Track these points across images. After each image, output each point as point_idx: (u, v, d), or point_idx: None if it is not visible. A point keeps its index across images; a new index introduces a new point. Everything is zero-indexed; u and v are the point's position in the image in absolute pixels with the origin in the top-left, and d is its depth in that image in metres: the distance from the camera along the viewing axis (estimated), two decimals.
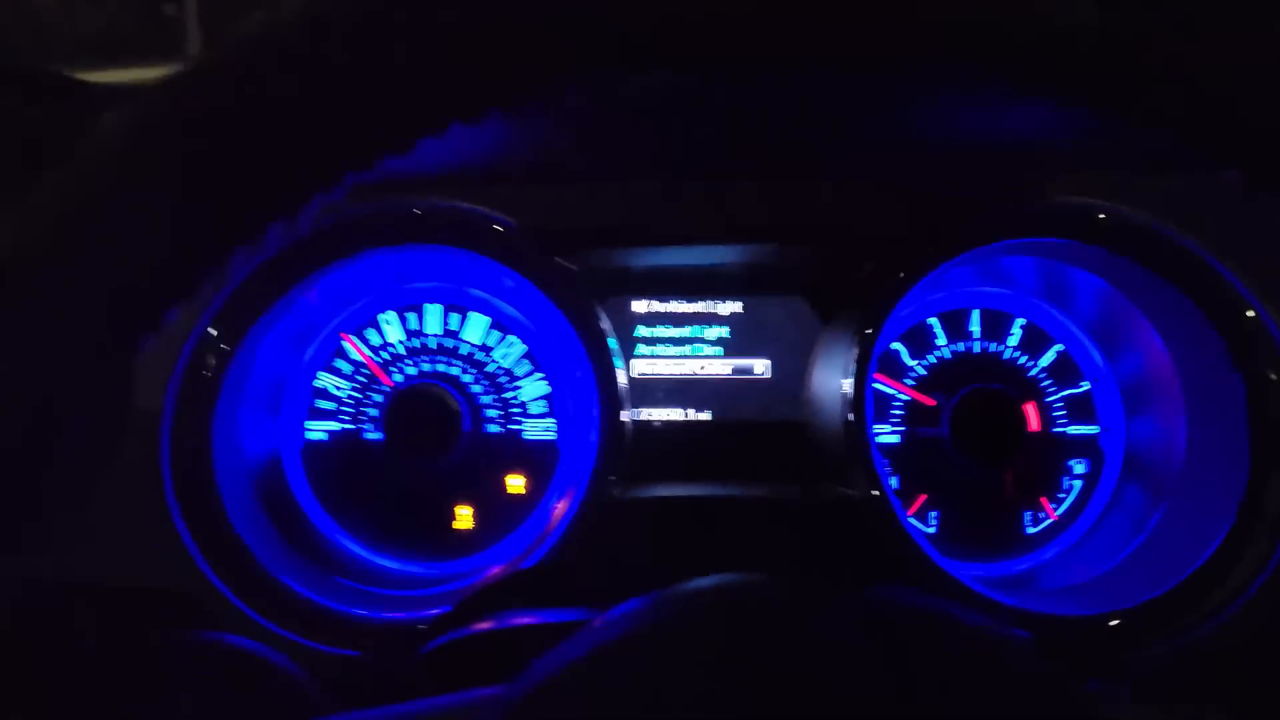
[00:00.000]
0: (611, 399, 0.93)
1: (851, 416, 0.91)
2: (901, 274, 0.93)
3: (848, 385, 0.92)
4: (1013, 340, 1.08)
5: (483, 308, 1.08)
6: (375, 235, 0.93)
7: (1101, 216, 0.92)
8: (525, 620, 0.76)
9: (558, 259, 0.96)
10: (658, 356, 1.06)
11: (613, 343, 0.97)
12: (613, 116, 0.89)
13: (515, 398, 1.07)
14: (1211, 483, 0.93)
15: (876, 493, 0.89)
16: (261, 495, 1.00)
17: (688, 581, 0.41)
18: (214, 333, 0.91)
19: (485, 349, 1.08)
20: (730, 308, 1.06)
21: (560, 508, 0.97)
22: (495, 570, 0.98)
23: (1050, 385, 1.08)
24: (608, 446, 0.92)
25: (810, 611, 0.38)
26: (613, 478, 0.93)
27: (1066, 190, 0.94)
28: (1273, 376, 0.88)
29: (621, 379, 0.95)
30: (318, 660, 0.83)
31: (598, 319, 0.95)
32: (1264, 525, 0.87)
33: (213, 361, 0.91)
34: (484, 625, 0.76)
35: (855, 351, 0.92)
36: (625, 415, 0.95)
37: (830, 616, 0.37)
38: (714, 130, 0.92)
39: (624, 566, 0.82)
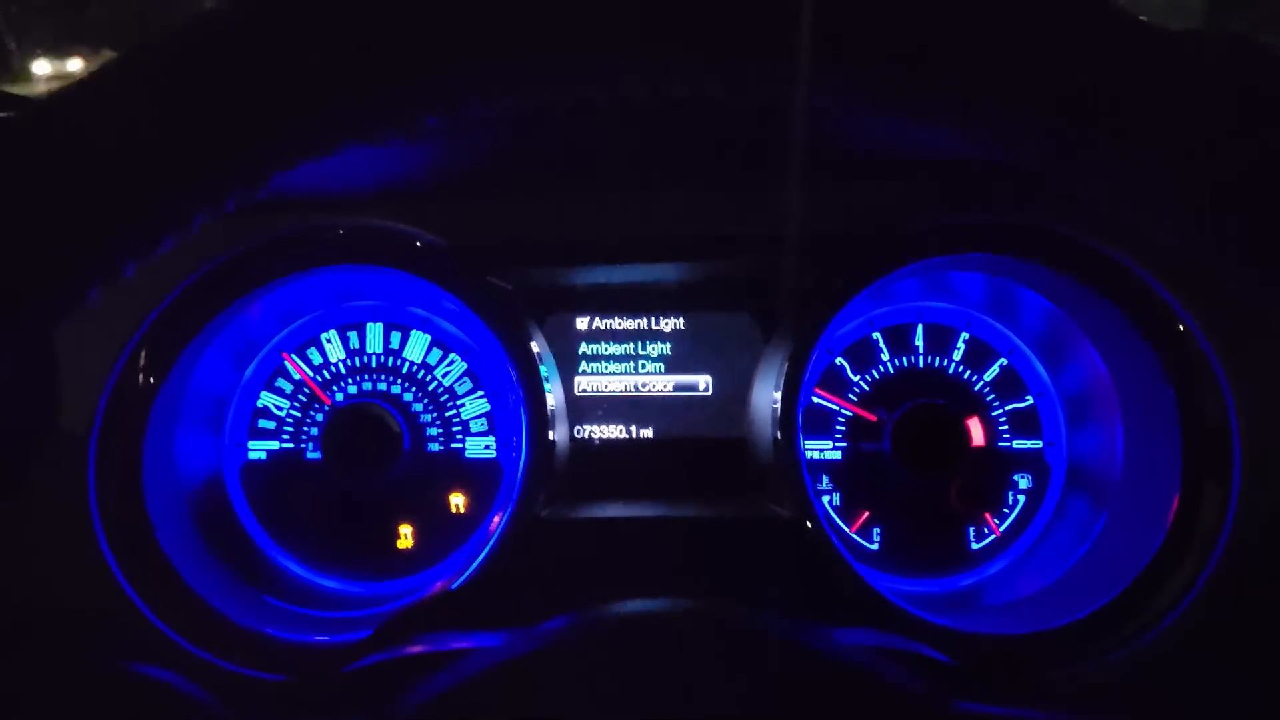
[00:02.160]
0: (539, 418, 0.92)
1: (779, 434, 0.90)
2: (835, 289, 0.92)
3: (777, 401, 0.91)
4: (957, 355, 1.08)
5: (424, 326, 1.08)
6: (307, 254, 0.93)
7: (1037, 233, 0.91)
8: (445, 645, 0.76)
9: (490, 278, 0.96)
10: (601, 374, 1.06)
11: (547, 363, 0.97)
12: (547, 131, 0.89)
13: (456, 416, 1.07)
14: (1148, 494, 0.92)
15: (804, 511, 0.89)
16: (198, 514, 1.00)
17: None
18: (146, 350, 0.90)
19: (426, 367, 1.07)
20: (672, 323, 1.06)
21: (496, 523, 0.97)
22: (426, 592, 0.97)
23: (994, 400, 1.07)
24: (534, 466, 0.92)
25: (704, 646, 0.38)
26: (543, 497, 0.92)
27: (1007, 206, 0.93)
28: (1203, 389, 0.87)
29: (551, 400, 0.94)
30: (240, 685, 0.83)
31: (528, 338, 0.95)
32: (1198, 535, 0.86)
33: (145, 378, 0.91)
34: (403, 650, 0.76)
35: (786, 367, 0.91)
36: (555, 434, 0.95)
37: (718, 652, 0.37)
38: (648, 141, 0.92)
39: (552, 588, 0.82)
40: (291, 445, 1.07)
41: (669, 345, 1.06)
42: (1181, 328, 0.88)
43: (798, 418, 0.92)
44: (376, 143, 0.40)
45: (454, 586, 0.89)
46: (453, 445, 1.07)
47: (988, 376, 1.07)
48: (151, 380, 0.91)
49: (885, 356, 1.07)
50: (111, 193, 0.36)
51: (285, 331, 1.07)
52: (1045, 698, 0.83)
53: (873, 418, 1.05)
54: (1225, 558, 0.85)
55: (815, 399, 1.07)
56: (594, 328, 1.06)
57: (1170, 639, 0.86)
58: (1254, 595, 0.85)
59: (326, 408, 1.06)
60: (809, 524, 0.89)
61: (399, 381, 1.07)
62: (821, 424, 1.07)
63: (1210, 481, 0.87)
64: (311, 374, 1.07)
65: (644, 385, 1.05)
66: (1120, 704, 0.84)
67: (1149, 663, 0.86)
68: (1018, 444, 1.07)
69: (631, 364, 1.06)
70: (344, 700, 0.74)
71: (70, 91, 0.35)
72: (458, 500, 1.06)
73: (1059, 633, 0.87)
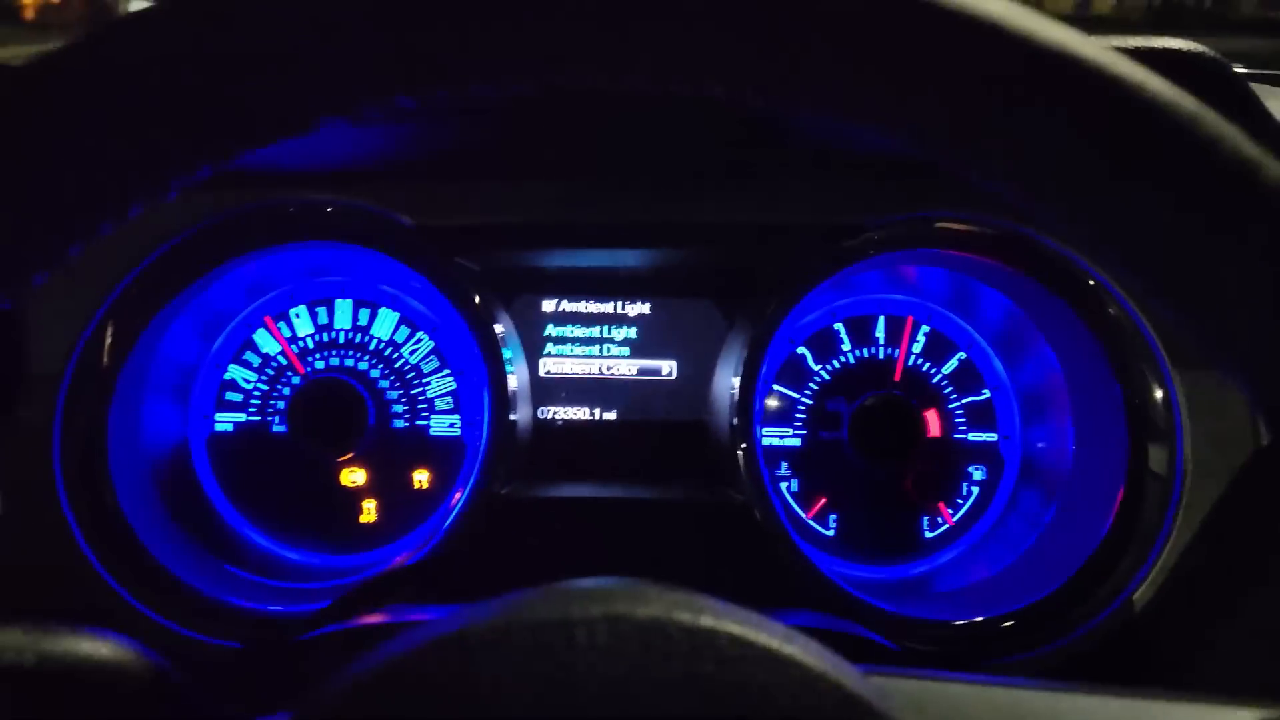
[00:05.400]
0: (501, 398, 0.94)
1: (736, 420, 0.92)
2: (795, 280, 0.94)
3: (736, 387, 0.93)
4: (916, 347, 1.09)
5: (392, 304, 1.09)
6: (277, 229, 0.94)
7: (994, 232, 0.93)
8: (402, 617, 0.77)
9: (458, 259, 0.97)
10: (566, 356, 1.07)
11: (512, 345, 0.98)
12: (519, 116, 0.90)
13: (422, 394, 1.08)
14: (1095, 487, 0.94)
15: (758, 496, 0.91)
16: (162, 483, 1.01)
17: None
18: (113, 319, 0.91)
19: (394, 345, 1.09)
20: (638, 309, 1.07)
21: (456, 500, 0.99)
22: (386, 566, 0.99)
23: (952, 392, 1.09)
24: (496, 444, 0.93)
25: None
26: (504, 475, 0.94)
27: (964, 205, 0.95)
28: (1150, 388, 0.90)
29: (514, 380, 0.96)
30: (195, 650, 0.84)
31: (492, 319, 0.96)
32: (1140, 527, 0.89)
33: (112, 346, 0.92)
34: (359, 620, 0.77)
35: (745, 355, 0.93)
36: (518, 414, 0.96)
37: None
38: (619, 129, 0.93)
39: (509, 565, 0.83)
40: (258, 418, 1.08)
41: (634, 330, 1.07)
42: (1131, 328, 0.90)
43: (755, 404, 0.94)
44: (351, 122, 0.41)
45: (412, 561, 0.90)
46: (418, 423, 1.08)
47: (946, 369, 1.09)
48: (118, 349, 0.92)
49: (846, 347, 1.09)
50: (92, 154, 0.37)
51: (254, 305, 1.08)
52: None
53: (832, 407, 1.07)
54: (1166, 551, 0.87)
55: (775, 387, 1.08)
56: (561, 310, 1.07)
57: (1110, 629, 0.88)
58: (1194, 587, 0.88)
59: (294, 381, 1.07)
60: (765, 509, 0.91)
61: (366, 358, 1.08)
62: (782, 412, 1.09)
63: (1153, 477, 0.90)
64: (289, 343, 1.08)
65: (609, 369, 1.07)
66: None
67: (1090, 652, 0.89)
68: (973, 436, 1.09)
69: (597, 347, 1.07)
70: (294, 669, 0.75)
71: (48, 59, 0.36)
72: (421, 477, 1.07)
73: (1000, 621, 0.90)
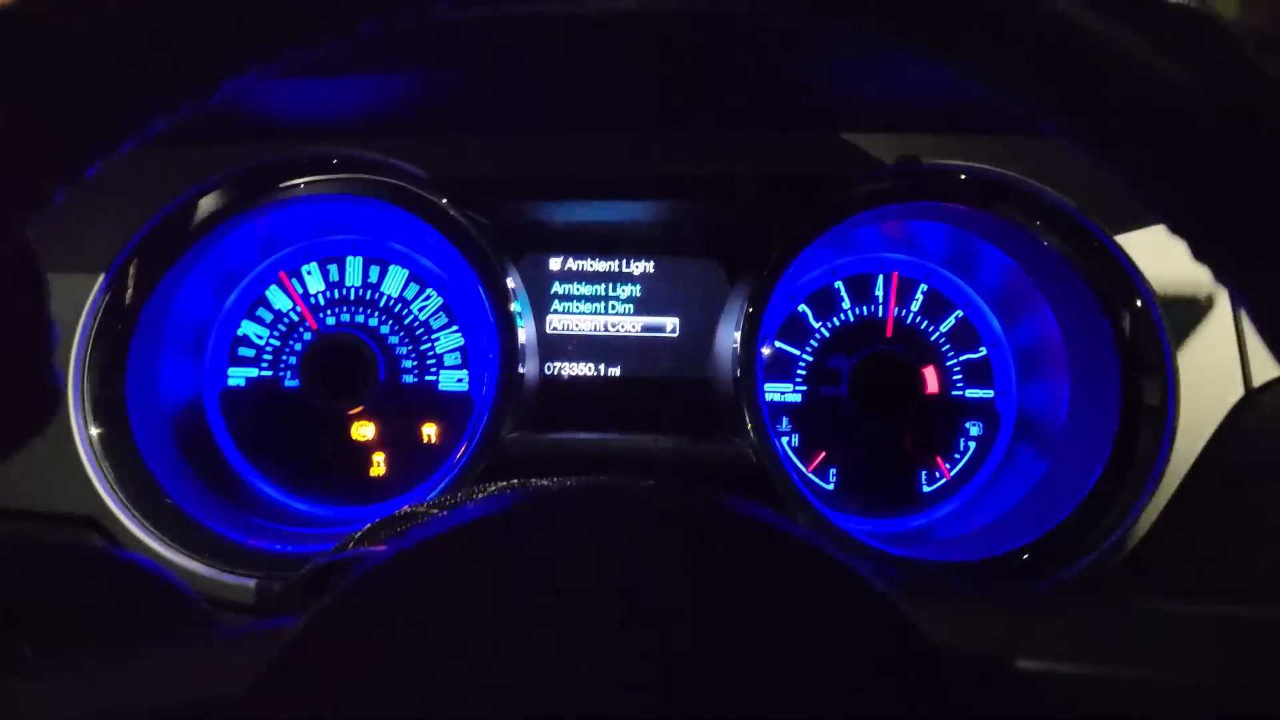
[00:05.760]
0: (510, 352, 0.96)
1: (739, 373, 0.94)
2: (792, 235, 0.96)
3: (737, 342, 0.95)
4: (915, 305, 1.12)
5: (402, 261, 1.11)
6: (288, 180, 0.96)
7: (992, 185, 0.95)
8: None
9: (469, 211, 0.99)
10: (572, 313, 1.09)
11: (520, 300, 1.00)
12: (521, 67, 0.91)
13: (431, 349, 1.11)
14: (1088, 442, 0.96)
15: (762, 446, 0.93)
16: (179, 435, 1.03)
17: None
18: (129, 273, 0.94)
19: (404, 301, 1.11)
20: (642, 267, 1.09)
21: (462, 453, 1.01)
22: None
23: (949, 350, 1.11)
24: (504, 397, 0.96)
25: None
26: (509, 425, 0.96)
27: (963, 158, 0.97)
28: (1146, 346, 0.92)
29: (523, 335, 0.98)
30: (212, 586, 0.87)
31: (504, 274, 0.98)
32: (1132, 473, 0.91)
33: (128, 300, 0.94)
34: (372, 550, 0.79)
35: (747, 309, 0.95)
36: (525, 369, 0.98)
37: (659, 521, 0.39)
38: (627, 82, 0.95)
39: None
40: (270, 373, 1.10)
41: (639, 287, 1.09)
42: (1121, 271, 0.92)
43: (757, 358, 0.96)
44: (312, 50, 0.42)
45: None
46: (426, 378, 1.11)
47: (944, 327, 1.11)
48: (134, 303, 0.95)
49: (846, 305, 1.11)
50: (79, 83, 0.38)
51: (267, 262, 1.10)
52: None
53: (833, 363, 1.10)
54: (1155, 495, 0.89)
55: (777, 344, 1.11)
56: (567, 268, 1.09)
57: (1109, 562, 0.90)
58: (1183, 530, 0.90)
59: (306, 337, 1.10)
60: (770, 458, 0.93)
61: (376, 314, 1.11)
62: (783, 368, 1.11)
63: (1147, 426, 0.92)
64: (302, 298, 1.10)
65: (613, 325, 1.09)
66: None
67: (1083, 590, 0.91)
68: (970, 393, 1.11)
69: (602, 304, 1.09)
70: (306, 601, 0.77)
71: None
72: (430, 431, 1.10)
73: (1000, 559, 0.92)
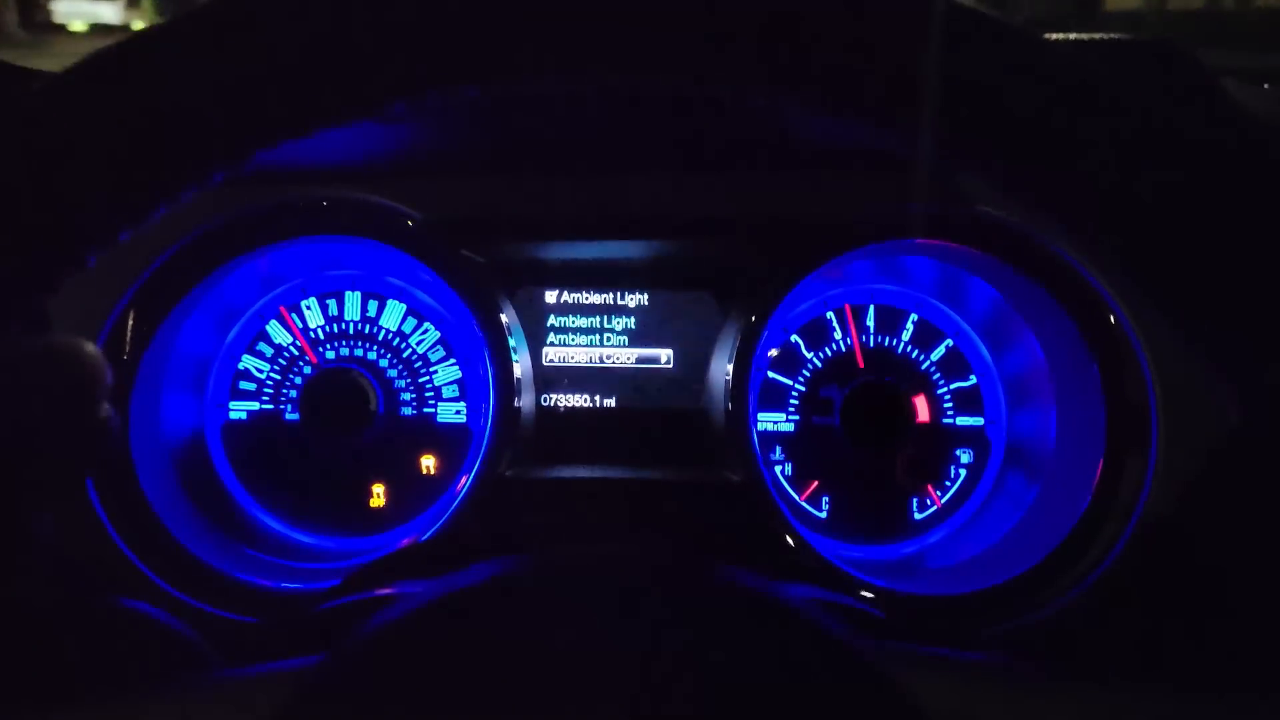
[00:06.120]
0: (506, 386, 0.98)
1: (730, 404, 0.96)
2: (787, 270, 0.98)
3: (730, 373, 0.97)
4: (906, 335, 1.13)
5: (400, 295, 1.13)
6: (290, 224, 0.98)
7: (979, 224, 0.97)
8: (416, 589, 0.81)
9: (464, 251, 1.01)
10: (568, 345, 1.11)
11: (516, 334, 1.02)
12: (519, 112, 0.93)
13: (429, 382, 1.12)
14: (1076, 469, 0.98)
15: (753, 476, 0.95)
16: (181, 470, 1.05)
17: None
18: (132, 314, 0.95)
19: (402, 335, 1.13)
20: (637, 300, 1.11)
21: (463, 484, 1.03)
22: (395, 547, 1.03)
23: (940, 378, 1.13)
24: (501, 429, 0.97)
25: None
26: (506, 460, 0.98)
27: (949, 197, 0.99)
28: (1127, 373, 0.94)
29: (518, 368, 1.00)
30: (216, 626, 0.88)
31: (499, 309, 1.00)
32: (1118, 503, 0.93)
33: (130, 341, 0.96)
34: (375, 591, 0.81)
35: (739, 341, 0.97)
36: (521, 401, 1.00)
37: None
38: (619, 126, 0.97)
39: (514, 543, 0.87)
40: (271, 406, 1.12)
41: (633, 320, 1.11)
42: (1110, 316, 0.94)
43: (749, 389, 0.98)
44: (347, 125, 0.45)
45: (422, 540, 0.94)
46: (425, 410, 1.12)
47: (934, 356, 1.13)
48: (137, 343, 0.96)
49: (838, 335, 1.13)
50: (114, 164, 0.40)
51: (267, 298, 1.12)
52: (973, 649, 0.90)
53: (825, 393, 1.11)
54: (1142, 524, 0.91)
55: (770, 374, 1.12)
56: (562, 301, 1.11)
57: (1092, 599, 0.92)
58: (1169, 560, 0.92)
59: (306, 371, 1.11)
60: (758, 489, 0.95)
61: (375, 348, 1.12)
62: (776, 398, 1.13)
63: (1131, 456, 0.94)
64: (302, 333, 1.12)
65: (608, 357, 1.11)
66: (1043, 654, 0.91)
67: (1073, 620, 0.93)
68: (960, 421, 1.13)
69: (597, 336, 1.11)
70: (310, 638, 0.79)
71: (78, 70, 0.40)
72: (428, 462, 1.12)
73: (989, 592, 0.94)
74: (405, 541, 0.98)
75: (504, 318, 1.00)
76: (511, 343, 0.99)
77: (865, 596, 0.90)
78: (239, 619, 0.89)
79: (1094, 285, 0.94)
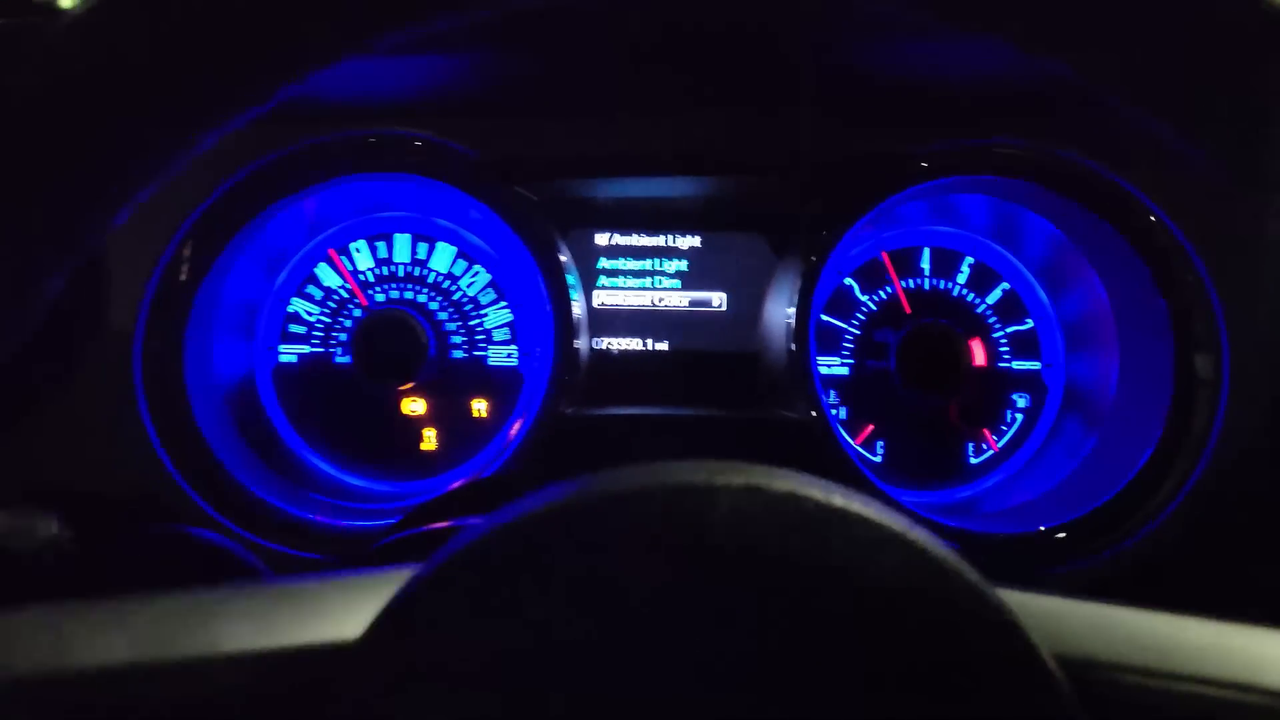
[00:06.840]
0: (566, 327, 0.97)
1: (793, 346, 0.95)
2: (845, 210, 0.96)
3: (791, 315, 0.96)
4: (961, 278, 1.12)
5: (450, 238, 1.12)
6: (339, 162, 0.97)
7: (1038, 156, 0.95)
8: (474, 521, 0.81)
9: (519, 188, 1.00)
10: (619, 288, 1.10)
11: (571, 274, 1.01)
12: (572, 48, 0.92)
13: (480, 325, 1.11)
14: (1139, 416, 0.97)
15: (816, 415, 0.94)
16: (235, 413, 1.04)
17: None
18: (184, 254, 0.95)
19: (452, 278, 1.12)
20: (689, 242, 1.10)
21: (516, 427, 1.02)
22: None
23: (996, 322, 1.12)
24: (561, 371, 0.97)
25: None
26: (565, 399, 0.97)
27: (1013, 132, 0.97)
28: (1197, 311, 0.92)
29: (577, 309, 0.99)
30: (280, 563, 0.88)
31: (556, 249, 0.99)
32: (1190, 441, 0.92)
33: (184, 280, 0.95)
34: (435, 525, 0.80)
35: (799, 283, 0.96)
36: (579, 343, 0.99)
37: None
38: (673, 62, 0.95)
39: (573, 477, 0.86)
40: (321, 349, 1.11)
41: (686, 263, 1.10)
42: (1174, 245, 0.92)
43: (811, 331, 0.96)
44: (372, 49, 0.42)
45: (485, 475, 0.94)
46: (476, 353, 1.11)
47: (990, 299, 1.12)
48: (190, 283, 0.96)
49: (891, 278, 1.12)
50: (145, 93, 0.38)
51: (316, 240, 1.11)
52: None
53: (880, 336, 1.10)
54: (1211, 467, 0.90)
55: (824, 317, 1.11)
56: (613, 244, 1.10)
57: (1159, 540, 0.91)
58: (1237, 503, 0.91)
59: (356, 314, 1.11)
60: (821, 427, 0.94)
61: (425, 291, 1.11)
62: (830, 341, 1.11)
63: (1200, 397, 0.92)
64: (352, 275, 1.11)
65: (660, 300, 1.10)
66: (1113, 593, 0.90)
67: (1140, 560, 0.92)
68: (1017, 365, 1.12)
69: (649, 279, 1.10)
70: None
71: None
72: (480, 405, 1.11)
73: (1056, 531, 0.93)
74: (460, 482, 0.97)
75: (562, 257, 0.99)
76: (570, 279, 0.98)
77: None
78: (299, 554, 0.89)
79: (1166, 223, 0.92)
